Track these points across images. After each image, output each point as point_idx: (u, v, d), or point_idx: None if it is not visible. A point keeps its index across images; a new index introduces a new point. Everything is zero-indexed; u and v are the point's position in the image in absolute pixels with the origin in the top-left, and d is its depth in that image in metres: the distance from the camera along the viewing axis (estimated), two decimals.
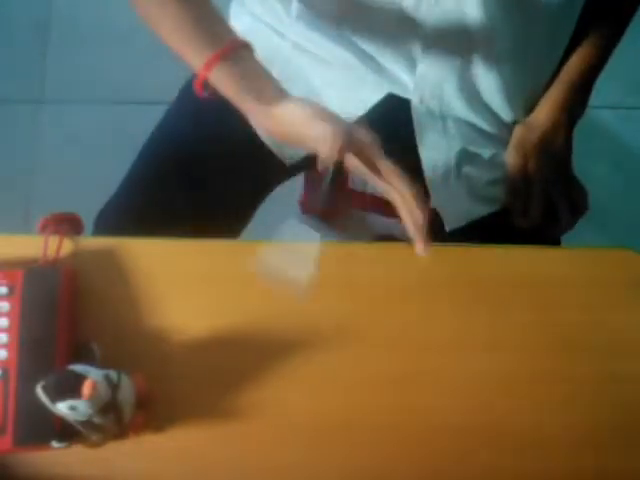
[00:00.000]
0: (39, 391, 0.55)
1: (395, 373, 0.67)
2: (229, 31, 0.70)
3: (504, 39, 0.73)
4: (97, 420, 0.57)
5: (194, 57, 0.68)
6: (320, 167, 0.64)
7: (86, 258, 0.69)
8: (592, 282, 0.70)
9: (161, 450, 0.65)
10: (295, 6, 0.79)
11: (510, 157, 0.85)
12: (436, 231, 0.83)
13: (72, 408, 0.55)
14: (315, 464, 0.65)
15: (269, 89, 0.68)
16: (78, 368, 0.57)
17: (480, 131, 0.84)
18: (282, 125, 0.67)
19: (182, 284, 0.69)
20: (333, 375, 0.66)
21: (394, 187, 0.64)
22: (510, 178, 0.85)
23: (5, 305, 0.64)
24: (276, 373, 0.66)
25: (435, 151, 0.83)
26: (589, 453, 0.65)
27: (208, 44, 0.68)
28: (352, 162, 0.66)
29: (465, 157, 0.84)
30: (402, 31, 0.74)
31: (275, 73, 0.70)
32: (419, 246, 0.64)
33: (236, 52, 0.68)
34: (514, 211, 0.84)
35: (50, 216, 0.69)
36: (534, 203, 0.84)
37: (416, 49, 0.76)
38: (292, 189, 1.03)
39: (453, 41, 0.74)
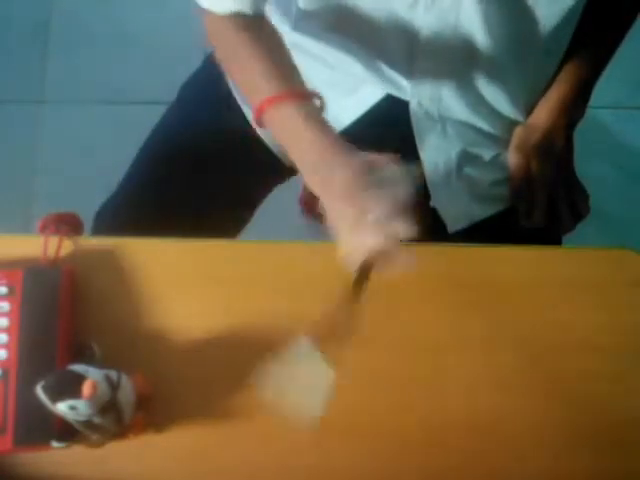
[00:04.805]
0: (39, 391, 0.55)
1: (397, 373, 0.67)
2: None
3: (501, 41, 0.73)
4: (97, 420, 0.57)
5: (264, 85, 0.66)
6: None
7: (86, 258, 0.69)
8: (592, 282, 0.70)
9: (161, 450, 0.65)
10: (294, 10, 0.79)
11: (511, 158, 0.85)
12: (438, 232, 0.84)
13: (72, 408, 0.55)
14: (316, 464, 0.65)
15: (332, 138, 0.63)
16: (78, 368, 0.57)
17: (480, 132, 0.84)
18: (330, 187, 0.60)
19: (182, 284, 0.69)
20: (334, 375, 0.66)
21: None
22: (512, 179, 0.85)
23: (5, 305, 0.64)
24: None
25: (435, 152, 0.83)
26: (589, 453, 0.65)
27: (284, 80, 0.66)
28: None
29: (466, 158, 0.84)
30: (398, 37, 0.74)
31: None
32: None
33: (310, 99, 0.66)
34: (519, 212, 0.84)
35: (50, 216, 0.69)
36: (538, 204, 0.84)
37: (412, 54, 0.76)
38: (292, 189, 1.03)
39: (449, 46, 0.74)
